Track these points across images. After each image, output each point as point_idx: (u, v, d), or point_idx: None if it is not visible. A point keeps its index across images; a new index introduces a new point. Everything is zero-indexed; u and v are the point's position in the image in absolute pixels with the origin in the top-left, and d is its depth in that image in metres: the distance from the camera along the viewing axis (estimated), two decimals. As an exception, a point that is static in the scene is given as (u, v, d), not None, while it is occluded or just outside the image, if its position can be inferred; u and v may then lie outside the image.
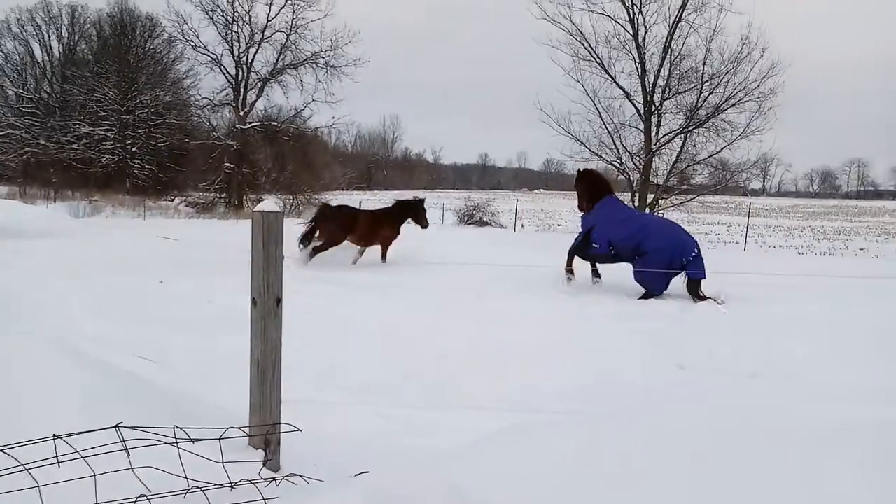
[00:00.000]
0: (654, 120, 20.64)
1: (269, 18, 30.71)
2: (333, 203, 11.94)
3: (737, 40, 19.32)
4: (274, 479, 2.26)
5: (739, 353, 6.40)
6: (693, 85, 20.08)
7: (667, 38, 20.08)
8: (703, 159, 20.66)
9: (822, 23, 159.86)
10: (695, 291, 8.04)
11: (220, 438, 2.13)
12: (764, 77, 18.86)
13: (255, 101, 32.68)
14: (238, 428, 2.29)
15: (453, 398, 4.32)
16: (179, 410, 2.72)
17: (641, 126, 20.70)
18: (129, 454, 1.92)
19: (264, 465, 2.31)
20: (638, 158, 20.81)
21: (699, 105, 19.83)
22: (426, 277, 8.99)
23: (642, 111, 20.52)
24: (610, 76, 20.82)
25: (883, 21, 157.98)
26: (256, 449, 2.38)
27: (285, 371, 2.54)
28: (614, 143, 21.10)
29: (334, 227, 10.01)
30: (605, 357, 5.51)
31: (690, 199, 21.25)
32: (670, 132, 20.60)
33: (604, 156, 21.57)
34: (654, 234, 8.34)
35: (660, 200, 20.83)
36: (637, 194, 20.73)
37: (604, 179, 9.53)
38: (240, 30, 31.45)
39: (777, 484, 1.70)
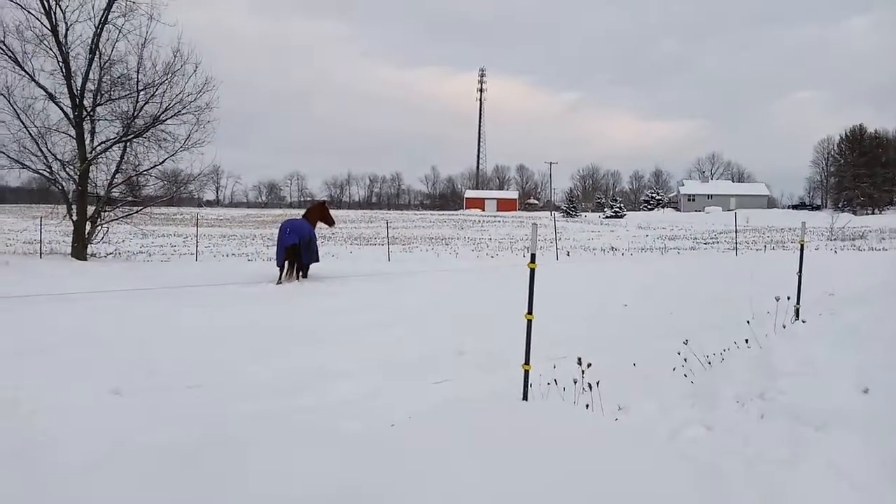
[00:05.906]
0: (87, 126, 18.76)
1: None
2: None
3: (169, 52, 19.25)
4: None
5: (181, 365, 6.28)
6: (128, 93, 19.06)
7: (93, 39, 18.46)
8: (147, 170, 19.90)
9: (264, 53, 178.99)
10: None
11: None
12: (200, 91, 19.30)
13: None
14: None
15: None
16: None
17: (73, 132, 18.54)
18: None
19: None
20: (72, 168, 18.64)
21: (136, 114, 18.97)
22: None
23: (72, 116, 18.37)
24: (27, 73, 17.96)
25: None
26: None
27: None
28: (41, 150, 18.37)
29: None
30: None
31: (137, 211, 20.30)
32: (107, 140, 19.10)
33: (28, 164, 18.55)
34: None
35: (102, 213, 19.19)
36: (75, 206, 18.58)
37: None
38: None
39: None
